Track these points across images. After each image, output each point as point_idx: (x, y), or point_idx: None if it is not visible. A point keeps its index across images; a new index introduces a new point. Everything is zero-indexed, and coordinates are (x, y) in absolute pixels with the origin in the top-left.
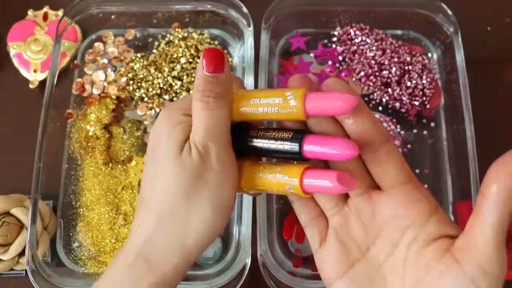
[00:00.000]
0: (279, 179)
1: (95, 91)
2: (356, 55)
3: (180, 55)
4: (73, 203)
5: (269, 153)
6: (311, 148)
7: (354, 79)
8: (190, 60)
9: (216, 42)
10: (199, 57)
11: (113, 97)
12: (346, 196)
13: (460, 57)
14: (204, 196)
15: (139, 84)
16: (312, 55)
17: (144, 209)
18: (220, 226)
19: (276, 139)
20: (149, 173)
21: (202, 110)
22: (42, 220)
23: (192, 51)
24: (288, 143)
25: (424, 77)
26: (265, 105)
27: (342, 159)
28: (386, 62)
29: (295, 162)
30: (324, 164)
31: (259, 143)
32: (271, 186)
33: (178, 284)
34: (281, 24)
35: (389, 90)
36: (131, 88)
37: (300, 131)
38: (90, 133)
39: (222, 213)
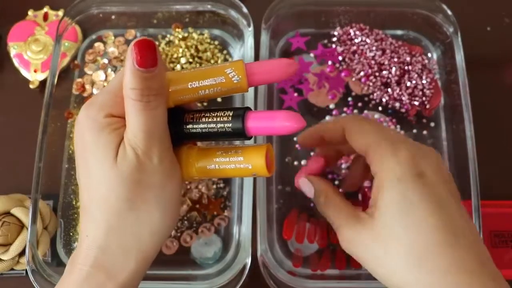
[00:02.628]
0: (242, 169)
1: (96, 91)
2: (356, 55)
3: (180, 55)
4: (74, 203)
5: (209, 137)
6: (255, 124)
7: (354, 79)
8: (190, 60)
9: (216, 42)
10: (199, 57)
11: None
12: None
13: (459, 57)
14: (149, 200)
15: None
16: (312, 55)
17: (88, 220)
18: (172, 224)
19: (215, 122)
20: (85, 183)
21: (141, 111)
22: (42, 220)
23: (192, 51)
24: (230, 124)
25: (424, 77)
26: (206, 86)
27: (288, 132)
28: (386, 62)
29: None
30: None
31: (197, 129)
32: (232, 175)
33: (139, 284)
34: (281, 24)
35: (389, 90)
36: None
37: (239, 109)
38: None
39: (171, 212)
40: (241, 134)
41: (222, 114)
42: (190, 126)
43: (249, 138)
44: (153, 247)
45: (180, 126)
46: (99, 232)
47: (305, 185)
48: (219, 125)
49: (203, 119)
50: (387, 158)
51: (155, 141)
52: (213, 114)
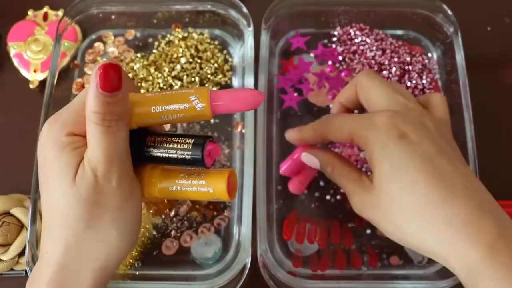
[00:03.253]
0: (203, 192)
1: None
2: (356, 55)
3: (180, 55)
4: None
5: (169, 162)
6: (213, 152)
7: None
8: (190, 60)
9: (216, 42)
10: (199, 57)
11: None
12: None
13: (460, 57)
14: (107, 221)
15: (139, 84)
16: (312, 55)
17: (49, 237)
18: (131, 243)
19: (175, 149)
20: (46, 201)
21: (102, 134)
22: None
23: (192, 51)
24: (190, 152)
25: (424, 77)
26: (169, 112)
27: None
28: (386, 62)
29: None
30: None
31: (157, 153)
32: (193, 197)
33: None
34: (281, 24)
35: None
36: None
37: (200, 138)
38: None
39: (129, 232)
40: (200, 162)
41: (183, 141)
42: (151, 149)
43: (208, 168)
44: (111, 265)
45: (141, 148)
46: (57, 250)
47: (308, 158)
48: (179, 152)
49: (164, 144)
50: (367, 130)
51: (115, 164)
52: (174, 140)
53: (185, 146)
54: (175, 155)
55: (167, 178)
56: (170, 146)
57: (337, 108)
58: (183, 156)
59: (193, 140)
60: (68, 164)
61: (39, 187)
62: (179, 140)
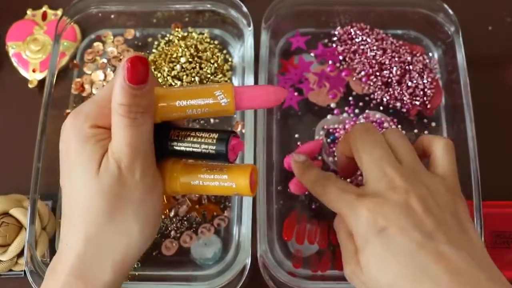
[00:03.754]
0: (225, 187)
1: (95, 91)
2: (357, 55)
3: (179, 54)
4: None
5: (192, 156)
6: (236, 147)
7: (354, 78)
8: (190, 60)
9: (216, 42)
10: (199, 57)
11: None
12: None
13: (461, 56)
14: (128, 213)
15: None
16: (312, 54)
17: (69, 229)
18: (151, 236)
19: (199, 143)
20: (67, 192)
21: (127, 126)
22: (41, 220)
23: (192, 51)
24: (214, 147)
25: (425, 77)
26: (194, 106)
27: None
28: (387, 62)
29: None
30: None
31: (181, 147)
32: (214, 192)
33: None
34: (281, 24)
35: (390, 90)
36: None
37: (224, 133)
38: None
39: (150, 225)
40: (223, 157)
41: (207, 136)
42: (174, 143)
43: (231, 162)
44: (130, 259)
45: (165, 142)
46: (78, 242)
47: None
48: (203, 146)
49: (188, 138)
50: (353, 223)
51: (139, 157)
52: (198, 135)
53: (210, 141)
54: (199, 149)
55: (190, 173)
56: (194, 140)
57: (340, 159)
58: (207, 151)
59: (217, 135)
60: (91, 156)
61: (60, 179)
62: (203, 135)
